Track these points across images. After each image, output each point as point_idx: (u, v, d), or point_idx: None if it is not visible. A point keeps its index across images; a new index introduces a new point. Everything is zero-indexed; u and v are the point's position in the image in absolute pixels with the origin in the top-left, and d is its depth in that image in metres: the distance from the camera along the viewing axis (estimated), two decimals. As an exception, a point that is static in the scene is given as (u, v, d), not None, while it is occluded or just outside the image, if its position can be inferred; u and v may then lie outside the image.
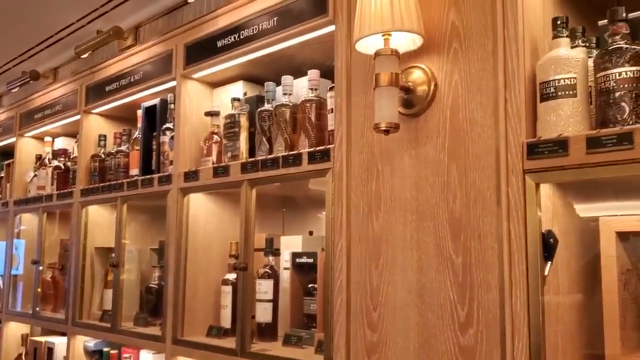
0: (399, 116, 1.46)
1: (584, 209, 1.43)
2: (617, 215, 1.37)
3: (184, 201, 2.25)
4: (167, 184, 2.31)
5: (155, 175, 2.39)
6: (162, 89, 2.48)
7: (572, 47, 1.34)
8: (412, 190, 1.49)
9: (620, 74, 1.19)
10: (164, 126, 2.42)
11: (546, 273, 1.25)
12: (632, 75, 1.18)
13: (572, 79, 1.26)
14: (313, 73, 1.92)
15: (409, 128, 1.51)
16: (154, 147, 2.48)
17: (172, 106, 2.40)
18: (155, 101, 2.51)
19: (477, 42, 1.39)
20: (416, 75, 1.51)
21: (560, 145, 1.23)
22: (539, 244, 1.26)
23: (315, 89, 1.90)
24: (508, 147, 1.31)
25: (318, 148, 1.78)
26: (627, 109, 1.18)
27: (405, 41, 1.49)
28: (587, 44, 1.37)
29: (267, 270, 2.01)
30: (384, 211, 1.54)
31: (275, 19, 1.94)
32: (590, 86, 1.28)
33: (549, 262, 1.25)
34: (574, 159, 1.21)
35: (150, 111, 2.53)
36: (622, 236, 1.32)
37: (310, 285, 1.95)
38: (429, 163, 1.46)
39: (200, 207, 2.29)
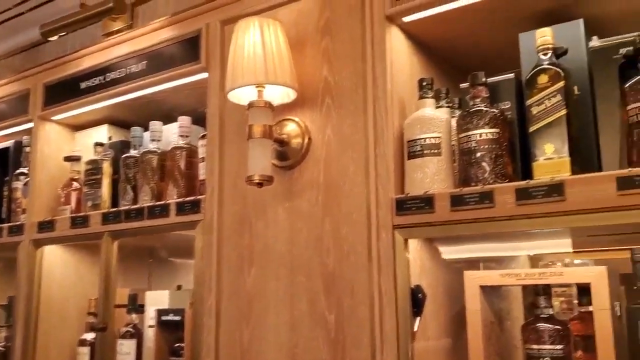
0: (273, 168, 1.44)
1: (450, 263, 1.48)
2: (480, 270, 1.43)
3: (37, 253, 2.04)
4: (18, 235, 2.09)
5: (5, 225, 2.16)
6: (17, 130, 2.27)
7: (436, 107, 1.41)
8: (286, 244, 1.46)
9: (480, 135, 1.25)
10: (17, 171, 2.21)
11: (415, 329, 1.26)
12: (491, 137, 1.25)
13: (436, 138, 1.32)
14: (184, 119, 1.85)
15: (283, 180, 1.49)
16: (5, 193, 2.25)
17: (27, 149, 2.20)
18: (9, 143, 2.29)
19: (349, 99, 1.42)
20: (290, 128, 1.50)
21: (427, 202, 1.26)
22: (408, 299, 1.28)
23: (186, 136, 1.83)
24: (378, 202, 1.33)
25: (187, 198, 1.70)
26: (488, 169, 1.24)
27: (280, 94, 1.48)
28: (451, 105, 1.44)
29: (130, 329, 1.86)
30: (257, 266, 1.49)
31: (145, 62, 1.86)
32: (453, 145, 1.34)
33: (418, 318, 1.27)
34: (439, 216, 1.24)
35: (2, 154, 2.31)
36: (486, 290, 1.38)
37: (176, 345, 1.83)
38: (303, 216, 1.44)
39: (56, 260, 2.09)
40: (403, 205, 1.29)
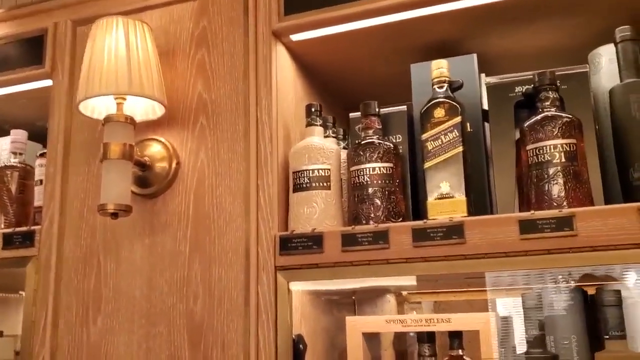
0: (132, 196, 1.21)
1: (334, 308, 1.35)
2: (361, 316, 1.31)
3: None
4: None
5: None
6: None
7: (324, 137, 1.28)
8: (143, 288, 1.22)
9: (373, 169, 1.15)
10: None
11: (298, 387, 1.10)
12: (384, 172, 1.15)
13: (326, 170, 1.19)
14: (18, 133, 1.54)
15: (143, 211, 1.26)
16: None
17: None
18: None
19: (228, 120, 1.24)
20: (155, 150, 1.28)
21: (315, 240, 1.12)
22: (290, 352, 1.11)
23: (20, 154, 1.52)
24: (259, 240, 1.16)
25: (18, 229, 1.39)
26: (380, 206, 1.14)
27: (144, 108, 1.27)
28: (336, 136, 1.33)
29: None
30: (105, 314, 1.24)
31: (-29, 61, 1.53)
32: (342, 179, 1.22)
33: (300, 373, 1.11)
34: (329, 257, 1.11)
35: None
36: (368, 337, 1.26)
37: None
38: (167, 255, 1.23)
39: None
40: (288, 244, 1.14)
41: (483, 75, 1.25)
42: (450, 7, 1.17)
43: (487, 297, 1.81)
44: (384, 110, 1.24)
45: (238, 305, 1.15)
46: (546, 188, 1.03)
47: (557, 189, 1.02)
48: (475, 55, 1.24)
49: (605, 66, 1.18)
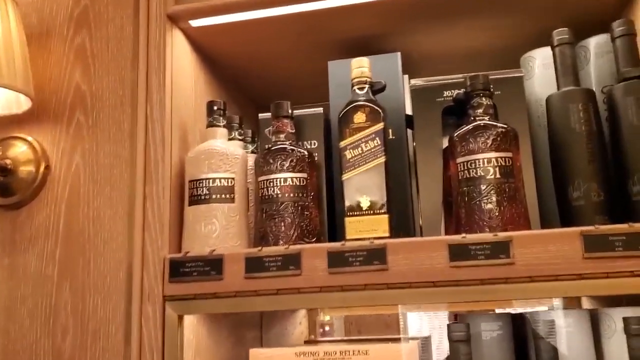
0: (-16, 208, 0.98)
1: (237, 334, 1.17)
2: (268, 348, 1.14)
3: None
4: None
5: None
6: None
7: (228, 140, 1.11)
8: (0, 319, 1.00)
9: (284, 180, 0.99)
10: None
11: None
12: (297, 183, 0.99)
13: (229, 180, 1.01)
14: None
15: (3, 225, 1.03)
16: None
17: None
18: None
19: (111, 117, 1.04)
20: (19, 151, 1.06)
21: (213, 265, 0.94)
22: (180, 398, 0.93)
23: None
24: (145, 263, 0.96)
25: None
26: (293, 223, 0.98)
27: (5, 100, 1.04)
28: (243, 138, 1.16)
29: None
30: (-54, 355, 1.00)
31: None
32: (249, 190, 1.05)
33: None
34: (229, 284, 0.93)
35: None
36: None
37: None
38: (30, 278, 1.00)
39: None
40: (180, 269, 0.95)
41: (406, 77, 1.13)
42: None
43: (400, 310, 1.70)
44: (297, 112, 1.08)
45: (117, 342, 0.95)
46: (478, 207, 0.90)
47: (490, 208, 0.90)
48: (399, 54, 1.11)
49: (538, 71, 1.08)
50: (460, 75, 1.01)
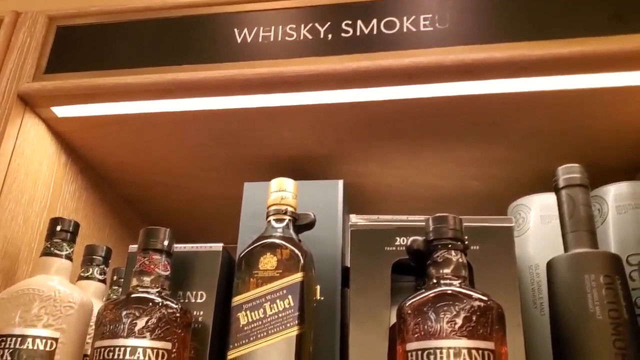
0: None
1: None
2: None
3: None
4: None
5: None
6: None
7: (83, 277, 0.75)
8: None
9: (134, 350, 0.62)
10: None
11: None
12: (155, 359, 0.62)
13: (49, 341, 0.64)
14: None
15: None
16: None
17: None
18: None
19: None
20: None
21: None
22: None
23: None
24: None
25: None
26: None
27: None
28: (108, 279, 0.80)
29: None
30: None
31: None
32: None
33: None
34: None
35: None
36: None
37: None
38: None
39: None
40: None
41: (352, 216, 0.81)
42: (305, 101, 0.74)
43: None
44: (184, 248, 0.74)
45: None
46: None
47: None
48: (341, 182, 0.79)
49: (534, 226, 0.76)
50: (421, 217, 0.69)
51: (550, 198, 0.75)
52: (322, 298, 0.74)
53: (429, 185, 0.89)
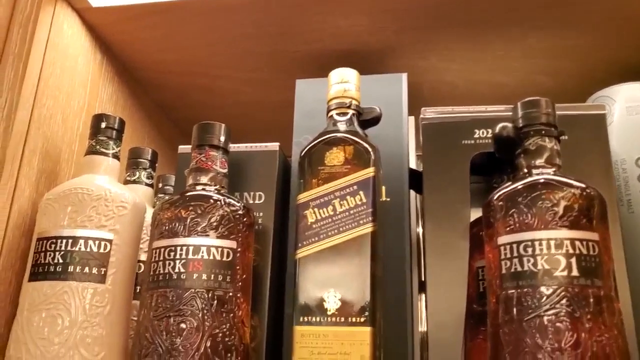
0: None
1: None
2: None
3: None
4: None
5: None
6: None
7: (128, 180, 0.70)
8: None
9: (197, 249, 0.57)
10: None
11: None
12: (219, 258, 0.57)
13: (103, 243, 0.59)
14: None
15: None
16: None
17: None
18: None
19: None
20: None
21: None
22: None
23: None
24: None
25: None
26: (200, 329, 0.55)
27: None
28: (156, 184, 0.75)
29: None
30: None
31: None
32: (141, 265, 0.63)
33: None
34: None
35: None
36: None
37: None
38: None
39: None
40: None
41: (424, 109, 0.74)
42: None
43: None
44: (239, 147, 0.68)
45: None
46: (536, 328, 0.48)
47: (559, 330, 0.48)
48: (404, 76, 0.73)
49: (619, 118, 0.70)
50: (502, 107, 0.63)
51: (637, 88, 0.68)
52: (389, 199, 0.68)
53: (493, 83, 0.82)
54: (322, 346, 0.54)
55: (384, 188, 0.69)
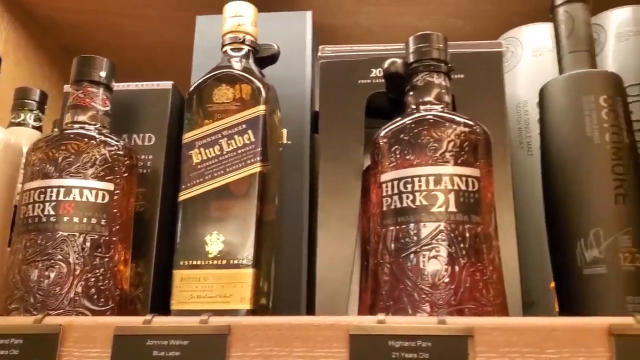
0: None
1: None
2: None
3: None
4: None
5: None
6: None
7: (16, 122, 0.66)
8: None
9: (69, 191, 0.54)
10: None
11: None
12: (94, 200, 0.54)
13: (-28, 185, 0.56)
14: None
15: None
16: None
17: None
18: None
19: None
20: None
21: None
22: None
23: None
24: None
25: None
26: (71, 274, 0.52)
27: None
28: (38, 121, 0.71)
29: None
30: None
31: None
32: (15, 207, 0.60)
33: None
34: None
35: None
36: None
37: None
38: None
39: None
40: None
41: (322, 47, 0.71)
42: None
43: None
44: (127, 86, 0.65)
45: None
46: (413, 266, 0.47)
47: (436, 269, 0.47)
48: (309, 14, 0.70)
49: (524, 60, 0.68)
50: (402, 45, 0.60)
51: (543, 28, 0.67)
52: (290, 142, 0.66)
53: (409, 27, 0.79)
54: (201, 289, 0.52)
55: (285, 131, 0.67)
